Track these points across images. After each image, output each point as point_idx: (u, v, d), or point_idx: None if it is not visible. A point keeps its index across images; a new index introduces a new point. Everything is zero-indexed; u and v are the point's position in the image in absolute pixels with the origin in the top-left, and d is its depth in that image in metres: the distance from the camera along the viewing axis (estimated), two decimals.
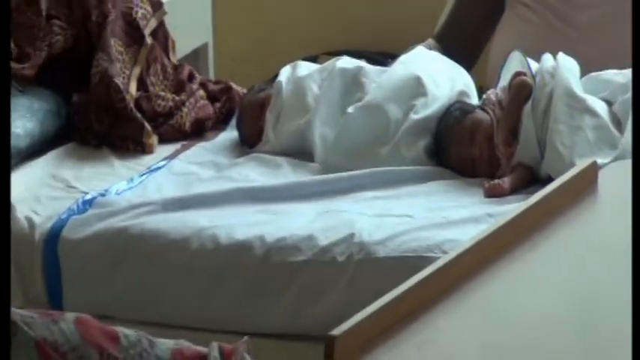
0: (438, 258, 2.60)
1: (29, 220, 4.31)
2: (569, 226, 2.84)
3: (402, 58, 4.59)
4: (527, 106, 4.31)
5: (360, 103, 4.42)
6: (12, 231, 4.21)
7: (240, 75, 5.04)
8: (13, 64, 4.76)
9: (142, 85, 4.67)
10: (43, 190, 4.51)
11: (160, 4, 4.85)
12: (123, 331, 2.87)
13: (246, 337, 2.91)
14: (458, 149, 4.39)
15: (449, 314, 2.50)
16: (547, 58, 4.33)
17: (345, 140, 4.42)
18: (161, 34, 4.78)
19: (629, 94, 4.26)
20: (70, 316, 2.85)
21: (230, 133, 4.71)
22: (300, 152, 4.55)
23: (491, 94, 4.38)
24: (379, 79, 4.47)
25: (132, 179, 4.55)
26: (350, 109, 4.40)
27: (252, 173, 4.51)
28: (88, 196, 4.44)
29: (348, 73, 4.56)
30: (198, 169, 4.59)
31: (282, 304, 4.05)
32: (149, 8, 4.74)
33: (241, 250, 4.14)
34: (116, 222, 4.28)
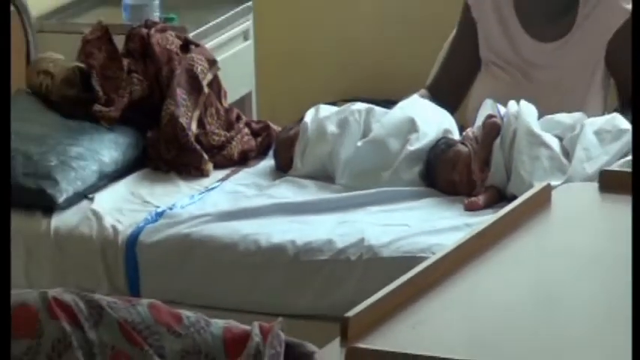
0: (428, 258, 2.66)
1: (114, 227, 4.41)
2: (529, 233, 2.87)
3: (400, 104, 4.75)
4: (497, 141, 4.43)
5: (366, 138, 4.59)
6: (101, 236, 4.48)
7: (276, 116, 5.12)
8: (103, 108, 4.82)
9: (200, 124, 4.79)
10: (125, 205, 4.60)
11: (215, 62, 4.93)
12: (185, 313, 3.03)
13: (280, 318, 3.02)
14: (443, 174, 4.51)
15: (437, 301, 2.53)
16: (512, 104, 4.50)
17: (356, 167, 4.56)
18: (215, 84, 4.88)
19: (577, 132, 4.46)
20: (144, 301, 3.07)
21: (268, 162, 4.84)
22: (321, 176, 4.66)
23: (469, 131, 4.56)
24: (382, 120, 4.64)
25: (193, 196, 4.67)
26: (359, 143, 4.56)
27: (285, 192, 4.63)
28: (160, 209, 4.56)
29: (360, 114, 4.68)
30: (244, 188, 4.71)
31: (309, 292, 4.23)
32: (206, 65, 4.83)
33: (277, 251, 4.32)
34: (181, 229, 4.41)
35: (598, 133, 4.46)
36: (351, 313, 2.33)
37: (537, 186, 3.04)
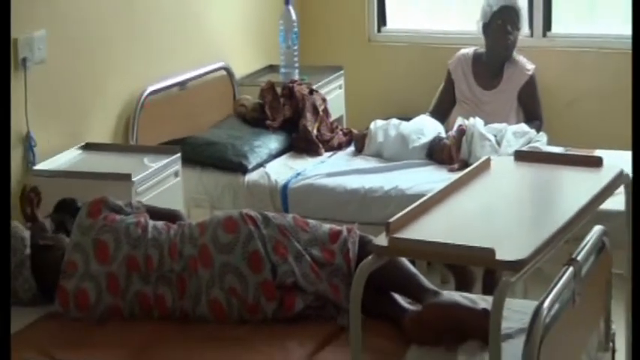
0: (430, 193, 2.68)
1: (276, 181, 4.43)
2: (479, 181, 2.86)
3: (415, 119, 4.86)
4: (464, 138, 4.53)
5: (396, 135, 4.71)
6: (269, 185, 4.43)
7: (355, 126, 5.12)
8: (271, 122, 4.85)
9: (318, 130, 4.90)
10: (281, 169, 4.55)
11: (325, 99, 5.00)
12: (311, 221, 3.11)
13: (356, 224, 3.14)
14: (437, 154, 4.60)
15: (434, 214, 2.55)
16: (471, 120, 4.64)
17: (392, 150, 4.70)
18: (325, 110, 4.99)
19: (503, 133, 4.57)
20: (290, 215, 3.12)
21: (351, 149, 4.89)
22: (377, 154, 4.73)
23: (450, 134, 4.65)
24: (404, 126, 4.76)
25: (314, 165, 4.63)
26: (390, 138, 4.71)
27: (360, 162, 4.66)
28: (297, 172, 4.54)
29: (395, 124, 4.80)
30: (339, 161, 4.70)
31: (371, 211, 4.17)
32: (321, 101, 4.95)
33: (355, 191, 4.30)
34: (308, 181, 4.43)
35: (514, 133, 4.61)
36: (390, 220, 2.40)
37: (483, 159, 3.03)
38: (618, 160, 3.03)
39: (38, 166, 3.73)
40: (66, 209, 3.29)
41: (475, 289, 4.31)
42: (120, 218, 3.07)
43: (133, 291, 2.98)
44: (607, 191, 2.72)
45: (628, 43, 4.80)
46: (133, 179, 3.60)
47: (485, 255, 2.21)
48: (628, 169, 2.86)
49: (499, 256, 2.21)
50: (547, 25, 5.37)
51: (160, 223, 3.11)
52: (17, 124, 3.70)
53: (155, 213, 3.21)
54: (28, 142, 3.74)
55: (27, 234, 3.13)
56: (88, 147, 4.00)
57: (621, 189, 2.84)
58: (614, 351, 2.90)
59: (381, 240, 2.34)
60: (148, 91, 4.38)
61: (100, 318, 2.97)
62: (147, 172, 3.72)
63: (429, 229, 2.41)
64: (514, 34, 5.02)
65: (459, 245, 2.27)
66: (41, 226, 3.24)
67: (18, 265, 3.06)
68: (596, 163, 2.89)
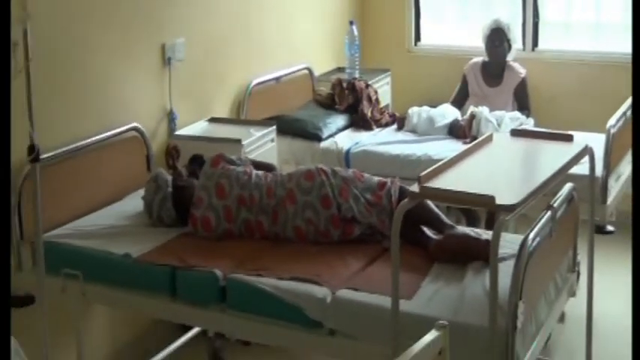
0: (448, 158, 2.55)
1: (342, 147, 4.31)
2: (485, 150, 2.72)
3: (440, 106, 4.70)
4: (474, 121, 4.38)
5: (425, 118, 4.56)
6: (336, 150, 4.22)
7: (398, 110, 4.94)
8: (339, 107, 4.68)
9: (371, 114, 4.75)
10: (343, 139, 4.40)
11: (376, 92, 4.83)
12: (365, 174, 3.02)
13: (397, 177, 3.03)
14: (455, 131, 4.44)
15: (454, 171, 2.47)
16: (480, 108, 4.48)
17: (423, 128, 4.54)
18: (376, 98, 4.84)
19: (503, 117, 4.38)
20: (350, 170, 3.04)
21: (394, 127, 4.68)
22: (413, 130, 4.56)
23: (464, 117, 4.50)
24: (432, 111, 4.60)
25: (367, 137, 4.49)
26: (422, 119, 4.57)
27: (401, 136, 4.50)
28: (356, 141, 4.40)
29: (425, 110, 4.62)
30: (387, 135, 4.55)
31: (406, 170, 3.92)
32: (373, 92, 4.81)
33: (395, 156, 4.16)
34: (363, 147, 4.28)
35: (510, 118, 4.44)
36: (421, 174, 2.33)
37: (487, 134, 2.91)
38: (584, 139, 2.93)
39: (178, 132, 3.75)
40: (196, 162, 3.31)
41: (480, 225, 4.29)
42: (233, 168, 3.07)
43: (241, 219, 2.99)
44: (575, 159, 2.66)
45: (595, 56, 5.13)
46: (243, 143, 3.60)
47: (488, 200, 2.17)
48: (591, 145, 2.80)
49: (498, 201, 2.17)
50: (535, 42, 5.34)
51: (260, 172, 3.11)
52: (164, 103, 3.74)
53: (257, 165, 3.21)
54: (171, 116, 3.77)
55: (169, 177, 3.15)
56: (212, 120, 4.01)
57: (586, 158, 2.77)
58: (578, 273, 2.84)
59: (414, 188, 2.30)
60: (253, 83, 4.38)
61: (218, 237, 2.99)
62: (252, 138, 3.71)
63: (448, 182, 2.36)
64: (502, 46, 4.92)
65: (469, 193, 2.22)
66: (179, 173, 3.26)
67: (163, 199, 3.06)
68: (569, 139, 2.82)
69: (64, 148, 3.03)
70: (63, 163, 3.01)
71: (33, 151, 2.52)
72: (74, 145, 3.08)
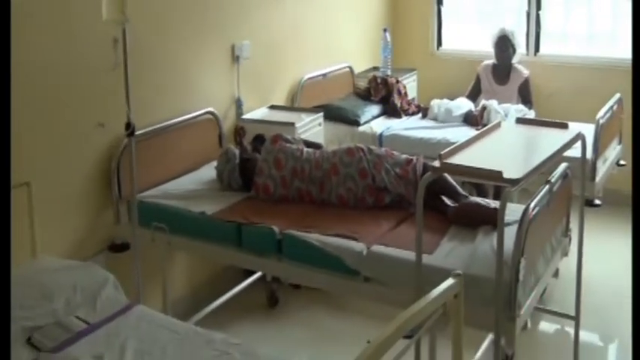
0: (464, 140, 2.42)
1: (376, 132, 4.21)
2: (494, 135, 2.60)
3: (457, 99, 4.60)
4: (485, 111, 4.30)
5: (445, 109, 4.48)
6: (371, 133, 4.10)
7: (423, 102, 4.81)
8: (373, 97, 4.63)
9: (400, 104, 4.66)
10: (378, 125, 4.33)
11: (405, 86, 4.76)
12: (394, 152, 2.91)
13: (422, 155, 2.96)
14: (469, 120, 4.37)
15: (470, 150, 2.36)
16: (490, 101, 4.40)
17: (443, 117, 4.46)
18: (405, 92, 4.74)
19: (509, 109, 4.27)
20: (383, 148, 2.95)
21: (419, 115, 4.60)
22: (434, 118, 4.49)
23: (477, 109, 4.41)
24: (450, 104, 4.52)
25: (397, 123, 4.41)
26: (443, 110, 4.49)
27: (424, 122, 4.42)
28: (387, 127, 4.33)
29: (445, 102, 4.54)
30: (413, 122, 4.46)
31: (428, 149, 3.84)
32: (403, 87, 4.71)
33: (419, 139, 4.09)
34: (395, 132, 4.21)
35: (515, 110, 4.34)
36: (441, 152, 2.24)
37: (495, 122, 2.77)
38: (577, 127, 2.76)
39: (244, 116, 3.73)
40: (258, 140, 3.28)
41: (489, 197, 4.21)
42: (288, 145, 3.06)
43: (294, 187, 2.97)
44: (569, 144, 2.56)
45: (587, 60, 4.98)
46: (296, 125, 3.55)
47: (496, 175, 2.11)
48: (583, 132, 2.69)
49: (505, 176, 2.10)
50: (537, 48, 5.20)
51: (310, 150, 3.08)
52: (233, 92, 3.72)
53: (307, 144, 3.18)
54: (238, 103, 3.75)
55: (237, 152, 3.13)
56: (272, 107, 3.96)
57: (578, 143, 2.66)
58: (570, 237, 2.75)
59: (436, 164, 2.24)
60: (305, 78, 4.32)
61: (275, 201, 2.96)
62: (303, 122, 3.66)
63: (463, 159, 2.28)
64: (508, 51, 4.82)
65: (480, 168, 2.15)
66: (245, 148, 3.23)
67: (231, 169, 3.05)
68: (564, 127, 2.71)
69: (154, 127, 3.08)
70: (153, 138, 3.06)
71: (129, 127, 2.56)
72: (162, 125, 3.13)
